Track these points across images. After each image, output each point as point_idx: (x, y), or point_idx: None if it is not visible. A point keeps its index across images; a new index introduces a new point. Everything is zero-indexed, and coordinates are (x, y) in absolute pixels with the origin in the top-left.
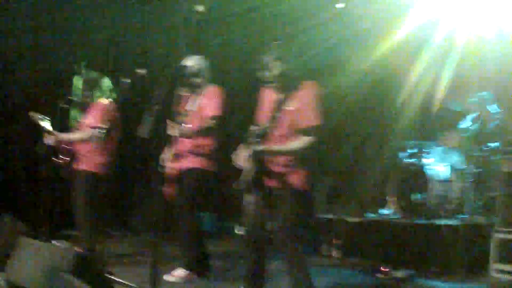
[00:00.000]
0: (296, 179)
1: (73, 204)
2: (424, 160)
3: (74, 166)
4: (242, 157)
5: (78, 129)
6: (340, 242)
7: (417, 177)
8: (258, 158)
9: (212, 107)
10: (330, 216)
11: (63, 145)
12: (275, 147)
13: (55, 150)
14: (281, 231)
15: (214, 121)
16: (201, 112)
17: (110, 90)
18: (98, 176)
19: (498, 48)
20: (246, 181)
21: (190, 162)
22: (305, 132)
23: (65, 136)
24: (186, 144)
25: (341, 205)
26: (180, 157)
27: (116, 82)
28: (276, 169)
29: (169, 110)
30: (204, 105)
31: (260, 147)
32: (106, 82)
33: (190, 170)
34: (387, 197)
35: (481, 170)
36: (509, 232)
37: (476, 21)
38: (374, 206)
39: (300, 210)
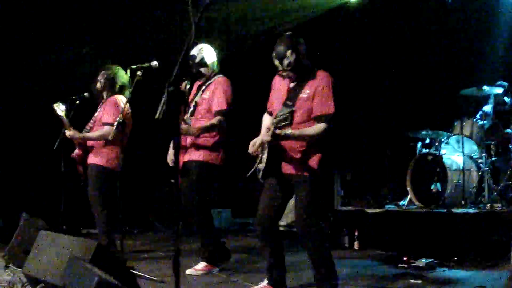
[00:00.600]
0: (311, 166)
1: (89, 199)
2: (441, 149)
3: (87, 160)
4: (259, 145)
5: (92, 124)
6: (361, 234)
7: (435, 167)
8: (275, 145)
9: (218, 101)
10: (350, 208)
11: (78, 141)
12: (294, 132)
13: (70, 144)
14: (301, 220)
15: (220, 117)
16: (206, 105)
17: (126, 85)
18: (110, 171)
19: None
20: (261, 168)
21: (193, 155)
22: (320, 119)
23: (85, 135)
24: (190, 137)
25: (360, 197)
26: (184, 150)
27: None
28: (292, 156)
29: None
30: (210, 97)
31: (283, 131)
32: (123, 77)
33: (193, 163)
34: (407, 188)
35: (496, 158)
36: None
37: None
38: (394, 198)
39: (317, 197)
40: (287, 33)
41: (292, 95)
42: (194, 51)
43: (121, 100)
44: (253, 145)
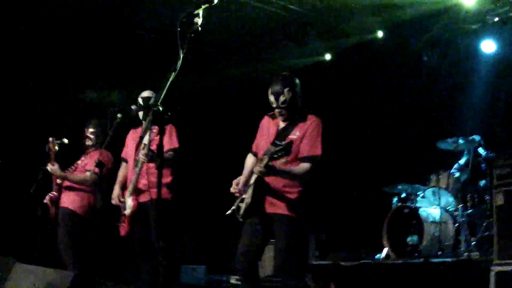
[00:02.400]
0: (295, 207)
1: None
2: (417, 203)
3: (60, 203)
4: (243, 183)
5: (72, 171)
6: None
7: (411, 220)
8: (261, 182)
9: (170, 140)
10: (325, 261)
11: (57, 182)
12: (285, 167)
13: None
14: (279, 260)
15: (172, 153)
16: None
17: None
18: (81, 217)
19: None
20: (244, 206)
21: (150, 195)
22: (306, 160)
23: (66, 175)
24: (145, 178)
25: (335, 252)
26: (137, 193)
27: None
28: (276, 195)
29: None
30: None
31: (274, 164)
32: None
33: (152, 202)
34: (383, 242)
35: (472, 210)
36: (506, 264)
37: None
38: (370, 251)
39: (299, 241)
40: (284, 73)
41: (281, 135)
42: (145, 94)
43: (106, 153)
44: (236, 184)
